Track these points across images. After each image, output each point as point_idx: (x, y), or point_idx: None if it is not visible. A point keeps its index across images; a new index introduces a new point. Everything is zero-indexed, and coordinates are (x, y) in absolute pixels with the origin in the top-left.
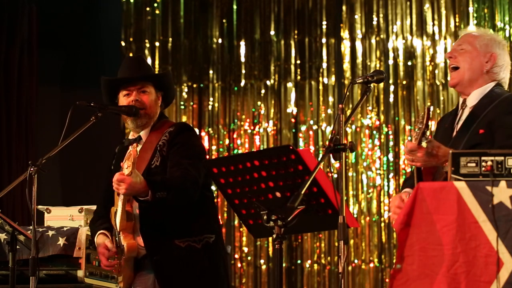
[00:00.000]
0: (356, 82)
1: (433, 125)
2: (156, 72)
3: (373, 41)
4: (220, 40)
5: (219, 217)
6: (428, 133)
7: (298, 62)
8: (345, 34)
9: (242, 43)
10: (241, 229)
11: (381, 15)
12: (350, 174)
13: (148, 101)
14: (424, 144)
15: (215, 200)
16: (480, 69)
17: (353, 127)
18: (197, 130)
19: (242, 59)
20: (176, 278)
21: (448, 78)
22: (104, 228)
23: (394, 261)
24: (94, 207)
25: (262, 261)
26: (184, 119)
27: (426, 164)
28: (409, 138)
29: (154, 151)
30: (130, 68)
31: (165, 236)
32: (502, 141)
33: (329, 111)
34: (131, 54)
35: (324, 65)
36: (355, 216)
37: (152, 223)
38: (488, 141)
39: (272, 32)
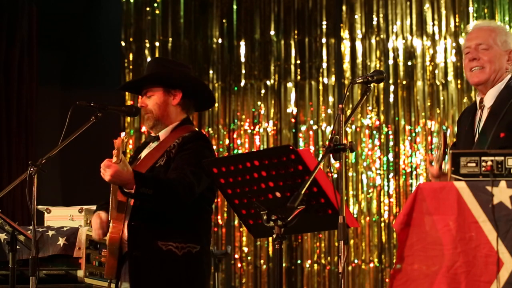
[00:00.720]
0: (356, 82)
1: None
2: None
3: (373, 41)
4: (220, 40)
5: (219, 217)
6: (447, 157)
7: (298, 62)
8: (345, 34)
9: (242, 43)
10: (241, 229)
11: (381, 15)
12: (350, 174)
13: (152, 105)
14: (445, 169)
15: (215, 200)
16: (503, 68)
17: (353, 127)
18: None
19: (242, 59)
20: (146, 278)
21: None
22: (103, 208)
23: (394, 261)
24: (94, 207)
25: (262, 261)
26: None
27: None
28: (432, 163)
29: (164, 151)
30: (146, 71)
31: (150, 234)
32: None
33: (329, 111)
34: (131, 54)
35: (324, 65)
36: (355, 216)
37: (141, 218)
38: (511, 144)
39: (272, 32)
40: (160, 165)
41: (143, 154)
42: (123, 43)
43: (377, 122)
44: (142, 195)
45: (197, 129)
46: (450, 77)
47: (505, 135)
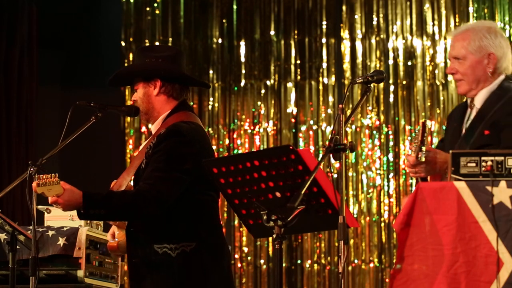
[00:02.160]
0: (356, 82)
1: (432, 136)
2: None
3: (373, 41)
4: (220, 40)
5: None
6: (424, 148)
7: (298, 62)
8: (345, 34)
9: (242, 43)
10: (241, 229)
11: (381, 15)
12: (350, 174)
13: (138, 99)
14: (422, 158)
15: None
16: (485, 73)
17: (353, 127)
18: None
19: (242, 59)
20: (145, 284)
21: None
22: None
23: (394, 261)
24: None
25: (262, 261)
26: None
27: (430, 173)
28: (409, 151)
29: (145, 152)
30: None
31: (147, 239)
32: (509, 141)
33: (329, 111)
34: (131, 54)
35: (324, 65)
36: (355, 216)
37: (137, 224)
38: (495, 142)
39: (272, 32)
40: (142, 168)
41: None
42: (123, 43)
43: (377, 122)
44: (94, 216)
45: (180, 120)
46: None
47: (489, 133)
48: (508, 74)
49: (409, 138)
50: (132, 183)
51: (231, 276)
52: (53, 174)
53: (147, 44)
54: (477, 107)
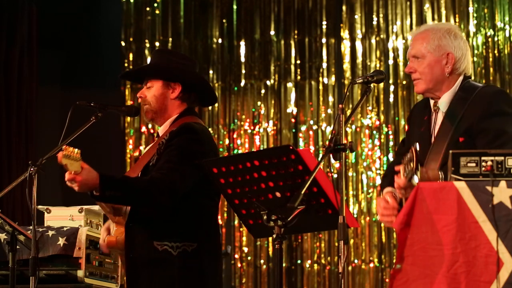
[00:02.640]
0: (356, 82)
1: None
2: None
3: (373, 41)
4: (220, 40)
5: (219, 217)
6: (418, 172)
7: (298, 62)
8: (345, 34)
9: (242, 43)
10: (241, 229)
11: (381, 15)
12: (350, 174)
13: (150, 97)
14: (414, 182)
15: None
16: (442, 74)
17: (353, 127)
18: None
19: (242, 59)
20: (143, 280)
21: None
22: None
23: (394, 261)
24: (94, 207)
25: (262, 261)
26: None
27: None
28: (401, 174)
29: (156, 149)
30: (153, 60)
31: (146, 235)
32: (485, 147)
33: (329, 111)
34: (131, 54)
35: (324, 65)
36: (355, 216)
37: (137, 220)
38: (471, 148)
39: (272, 32)
40: (153, 164)
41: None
42: (123, 43)
43: (377, 122)
44: (109, 198)
45: (191, 121)
46: None
47: (464, 140)
48: (468, 74)
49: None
50: None
51: (221, 281)
52: (77, 150)
53: (163, 47)
54: (442, 111)
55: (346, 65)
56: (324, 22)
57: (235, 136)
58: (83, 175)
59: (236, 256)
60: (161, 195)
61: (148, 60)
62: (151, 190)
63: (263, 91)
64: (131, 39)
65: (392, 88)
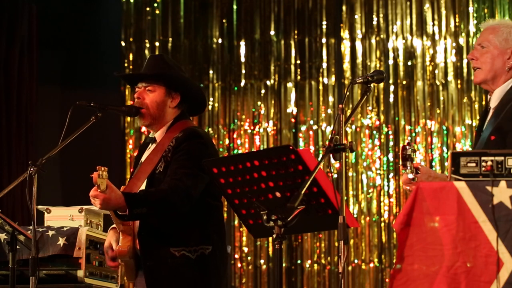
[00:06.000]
0: (356, 82)
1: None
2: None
3: (373, 41)
4: (220, 40)
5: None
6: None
7: (298, 62)
8: (345, 34)
9: (242, 43)
10: (241, 229)
11: (381, 15)
12: (350, 174)
13: (149, 101)
14: (415, 179)
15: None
16: (503, 67)
17: (353, 127)
18: None
19: (242, 59)
20: (165, 286)
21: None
22: None
23: (394, 261)
24: (94, 207)
25: (262, 261)
26: None
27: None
28: (405, 170)
29: (161, 156)
30: (147, 66)
31: (161, 242)
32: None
33: (329, 111)
34: (131, 54)
35: (324, 65)
36: (355, 216)
37: (150, 228)
38: (501, 148)
39: (272, 32)
40: (160, 172)
41: (143, 158)
42: (123, 43)
43: (377, 122)
44: (137, 216)
45: (191, 126)
46: (450, 77)
47: (495, 138)
48: None
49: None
50: (144, 187)
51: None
52: (104, 168)
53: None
54: (492, 107)
55: (346, 65)
56: (324, 22)
57: (235, 136)
58: (108, 193)
59: (236, 256)
60: (182, 202)
61: None
62: (173, 199)
63: (263, 91)
64: (131, 39)
65: (392, 88)
